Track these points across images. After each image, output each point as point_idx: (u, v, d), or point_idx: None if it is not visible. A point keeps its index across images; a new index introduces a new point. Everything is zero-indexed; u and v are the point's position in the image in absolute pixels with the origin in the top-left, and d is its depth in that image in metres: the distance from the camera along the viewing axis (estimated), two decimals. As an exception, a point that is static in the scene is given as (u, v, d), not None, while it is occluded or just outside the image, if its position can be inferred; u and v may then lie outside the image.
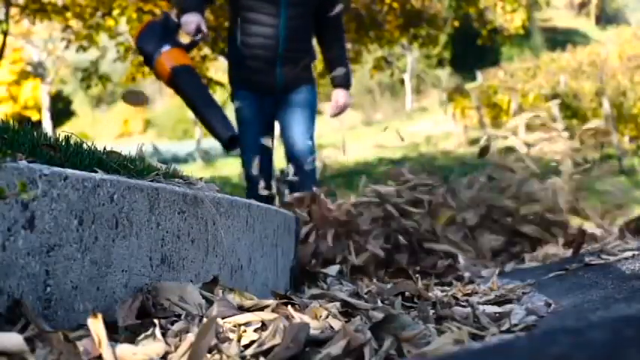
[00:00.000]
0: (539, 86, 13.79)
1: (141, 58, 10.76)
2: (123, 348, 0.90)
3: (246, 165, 3.44)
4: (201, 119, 3.24)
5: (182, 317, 1.10)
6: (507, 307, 1.45)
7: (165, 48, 3.18)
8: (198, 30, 3.15)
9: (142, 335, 0.99)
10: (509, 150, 3.54)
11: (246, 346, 1.01)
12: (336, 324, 1.14)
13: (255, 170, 3.23)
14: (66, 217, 0.98)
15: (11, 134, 1.15)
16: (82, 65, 13.00)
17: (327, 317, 1.18)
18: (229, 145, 3.19)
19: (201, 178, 1.54)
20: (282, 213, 2.14)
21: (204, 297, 1.23)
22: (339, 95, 3.51)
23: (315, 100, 3.55)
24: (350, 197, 3.23)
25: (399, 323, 1.05)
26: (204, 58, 11.26)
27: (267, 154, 3.43)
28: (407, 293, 1.59)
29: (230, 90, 3.57)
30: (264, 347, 0.98)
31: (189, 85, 3.22)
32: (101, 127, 29.08)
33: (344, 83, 3.53)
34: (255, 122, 3.44)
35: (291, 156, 3.45)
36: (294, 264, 2.23)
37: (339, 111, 3.54)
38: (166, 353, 0.94)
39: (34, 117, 21.75)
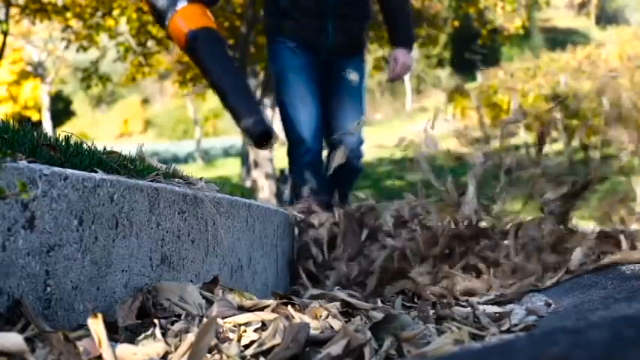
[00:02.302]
0: (539, 86, 13.79)
1: (141, 58, 10.65)
2: (123, 348, 0.90)
3: (292, 130, 2.88)
4: (225, 103, 2.56)
5: (182, 317, 1.10)
6: (507, 307, 1.45)
7: (182, 4, 2.53)
8: None
9: (142, 335, 0.99)
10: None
11: (246, 346, 1.01)
12: (336, 324, 1.14)
13: (306, 133, 2.77)
14: (66, 217, 0.98)
15: (11, 134, 1.15)
16: (82, 65, 13.00)
17: (327, 317, 1.18)
18: (260, 142, 2.56)
19: (201, 178, 1.54)
20: (282, 213, 2.14)
21: (204, 297, 1.23)
22: (398, 54, 2.97)
23: (365, 75, 3.06)
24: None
25: (399, 323, 1.05)
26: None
27: (315, 121, 2.89)
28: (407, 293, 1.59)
29: (268, 48, 3.05)
30: (264, 347, 0.98)
31: (210, 56, 2.53)
32: (101, 127, 29.09)
33: (405, 40, 3.00)
34: (300, 80, 2.88)
35: (334, 142, 2.89)
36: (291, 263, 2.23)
37: (399, 72, 2.98)
38: (166, 353, 0.94)
39: (34, 117, 21.77)
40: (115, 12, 9.61)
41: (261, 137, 2.48)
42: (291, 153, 2.95)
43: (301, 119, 2.86)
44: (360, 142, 2.99)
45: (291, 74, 2.88)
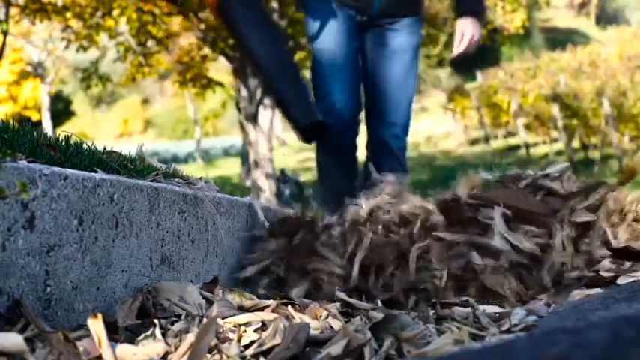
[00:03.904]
0: (539, 86, 13.79)
1: (141, 59, 10.67)
2: (123, 348, 0.90)
3: (321, 107, 2.29)
4: (266, 84, 2.20)
5: (182, 317, 1.10)
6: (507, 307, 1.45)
7: None
8: None
9: (142, 335, 0.99)
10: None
11: (246, 346, 1.02)
12: (336, 324, 1.14)
13: (338, 111, 2.30)
14: (66, 217, 0.98)
15: (11, 134, 1.15)
16: (82, 65, 13.01)
17: (327, 317, 1.18)
18: (307, 134, 2.12)
19: (200, 178, 1.54)
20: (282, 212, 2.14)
21: (204, 297, 1.23)
22: (465, 25, 2.45)
23: (419, 42, 2.55)
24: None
25: (399, 323, 1.05)
26: (204, 58, 11.26)
27: (351, 97, 2.40)
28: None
29: (303, 6, 2.50)
30: (264, 347, 0.98)
31: (246, 23, 2.03)
32: (101, 127, 29.09)
33: (473, 7, 2.48)
34: (338, 46, 2.39)
35: (377, 122, 2.44)
36: None
37: (467, 46, 2.46)
38: (166, 353, 0.94)
39: (34, 117, 21.76)
40: (115, 12, 9.61)
41: (311, 130, 2.07)
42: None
43: (334, 94, 2.34)
44: (407, 121, 2.48)
45: (327, 38, 2.38)
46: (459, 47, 2.47)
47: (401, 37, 2.46)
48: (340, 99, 2.35)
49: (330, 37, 2.38)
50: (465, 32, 2.45)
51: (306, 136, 2.13)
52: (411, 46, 2.48)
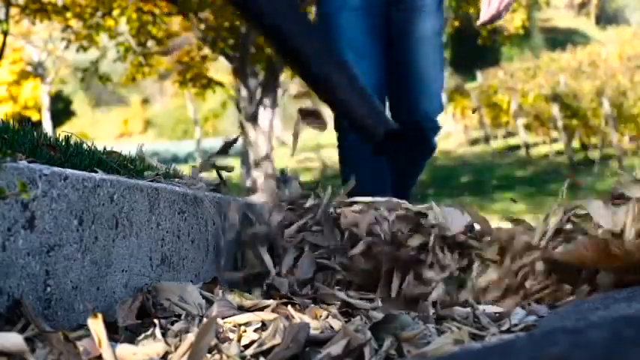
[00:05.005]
0: (539, 86, 13.80)
1: (141, 59, 10.67)
2: (123, 348, 0.90)
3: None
4: (310, 81, 1.66)
5: (182, 317, 1.10)
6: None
7: None
8: None
9: (142, 335, 0.99)
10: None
11: (246, 346, 1.02)
12: (336, 324, 1.14)
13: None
14: (66, 217, 0.98)
15: (11, 134, 1.15)
16: (82, 65, 13.01)
17: (327, 317, 1.18)
18: (381, 145, 1.71)
19: (200, 172, 1.54)
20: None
21: (204, 297, 1.23)
22: None
23: (442, 26, 2.34)
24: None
25: (399, 323, 1.05)
26: (204, 58, 11.26)
27: (372, 84, 2.03)
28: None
29: None
30: (264, 347, 0.98)
31: (272, 9, 1.58)
32: (101, 128, 29.09)
33: None
34: (356, 27, 2.14)
35: (406, 111, 2.20)
36: None
37: (494, 13, 2.16)
38: (166, 353, 0.94)
39: (34, 117, 21.75)
40: (115, 12, 9.62)
41: (387, 139, 1.67)
42: (338, 127, 2.20)
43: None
44: (439, 107, 2.26)
45: (344, 18, 2.12)
46: (487, 11, 2.16)
47: (429, 18, 2.23)
48: (373, 81, 2.07)
49: (345, 20, 2.13)
50: None
51: (381, 147, 1.76)
52: (438, 31, 2.27)
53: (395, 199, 1.67)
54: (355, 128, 1.77)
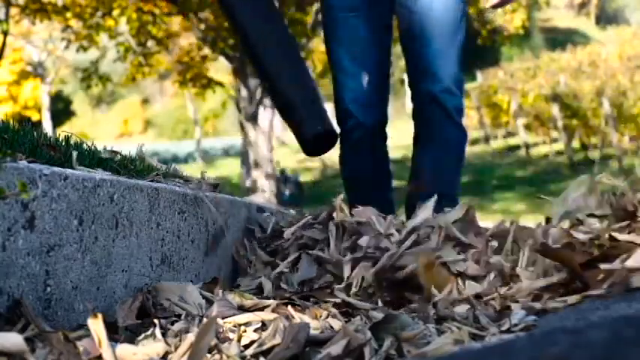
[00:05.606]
0: (539, 86, 13.80)
1: (141, 59, 10.66)
2: (123, 348, 0.90)
3: (337, 94, 1.97)
4: (268, 83, 1.75)
5: (182, 317, 1.10)
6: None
7: None
8: None
9: (142, 335, 0.99)
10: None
11: (246, 346, 1.02)
12: (336, 324, 1.14)
13: (356, 97, 1.93)
14: (66, 217, 0.98)
15: (11, 134, 1.15)
16: (82, 65, 13.01)
17: (327, 317, 1.18)
18: (313, 146, 1.76)
19: (202, 176, 1.54)
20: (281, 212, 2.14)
21: (204, 297, 1.23)
22: None
23: (464, 14, 2.10)
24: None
25: (399, 323, 1.05)
26: (204, 58, 11.25)
27: (371, 81, 1.97)
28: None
29: None
30: (264, 347, 0.98)
31: (244, 8, 1.68)
32: (101, 127, 29.09)
33: None
34: (357, 20, 1.96)
35: (423, 79, 2.03)
36: None
37: None
38: (166, 353, 0.94)
39: (34, 117, 21.76)
40: (115, 12, 9.62)
41: (314, 139, 1.72)
42: (339, 127, 2.04)
43: (351, 79, 1.95)
44: (459, 73, 2.10)
45: (343, 13, 1.97)
46: None
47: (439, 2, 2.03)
48: (358, 91, 1.97)
49: (344, 13, 1.98)
50: None
51: (310, 148, 1.77)
52: (454, 9, 2.07)
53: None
54: (288, 122, 1.77)
